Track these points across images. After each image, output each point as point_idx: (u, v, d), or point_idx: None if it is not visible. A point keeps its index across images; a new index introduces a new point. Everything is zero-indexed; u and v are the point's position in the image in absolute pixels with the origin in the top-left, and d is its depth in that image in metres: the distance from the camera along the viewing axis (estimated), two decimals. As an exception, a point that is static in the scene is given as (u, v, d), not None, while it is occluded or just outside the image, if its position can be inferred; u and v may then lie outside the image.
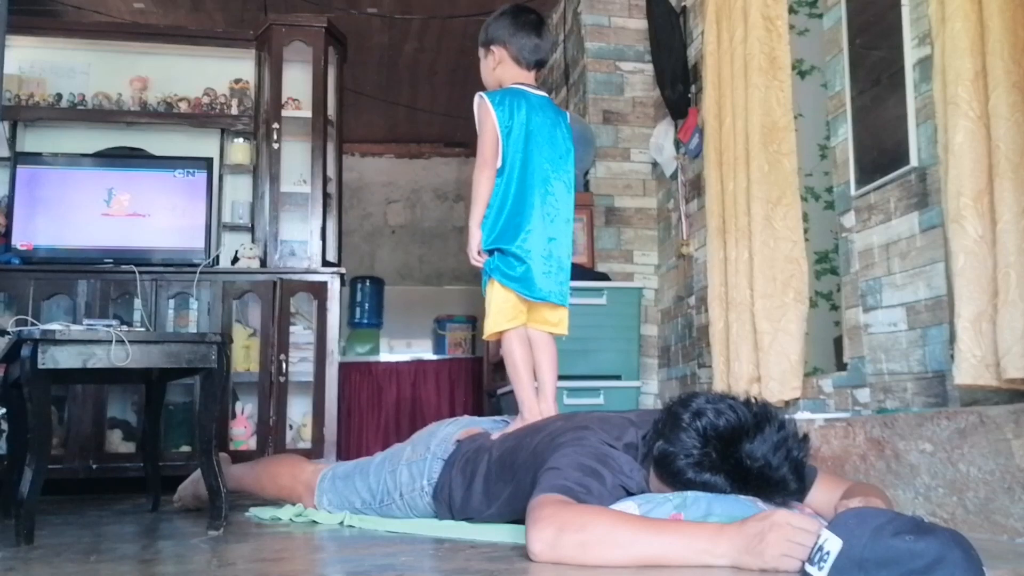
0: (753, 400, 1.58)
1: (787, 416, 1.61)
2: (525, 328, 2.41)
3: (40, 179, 3.91)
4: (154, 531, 2.25)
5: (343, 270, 4.07)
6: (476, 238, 2.37)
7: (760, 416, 1.53)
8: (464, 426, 2.18)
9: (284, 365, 3.85)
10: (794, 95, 3.19)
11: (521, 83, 2.47)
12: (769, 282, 3.05)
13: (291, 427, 3.94)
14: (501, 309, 2.35)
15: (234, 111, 4.19)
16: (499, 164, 2.36)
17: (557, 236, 2.39)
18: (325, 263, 4.04)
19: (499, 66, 2.48)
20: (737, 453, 1.51)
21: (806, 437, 1.58)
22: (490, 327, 2.39)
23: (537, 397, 2.39)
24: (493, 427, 2.19)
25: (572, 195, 2.48)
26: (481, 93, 2.42)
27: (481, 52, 2.54)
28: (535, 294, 2.34)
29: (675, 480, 1.56)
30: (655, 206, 4.47)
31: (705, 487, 1.52)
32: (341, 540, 1.93)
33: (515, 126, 2.36)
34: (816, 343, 3.49)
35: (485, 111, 2.38)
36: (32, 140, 4.11)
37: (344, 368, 5.18)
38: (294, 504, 2.39)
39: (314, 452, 3.75)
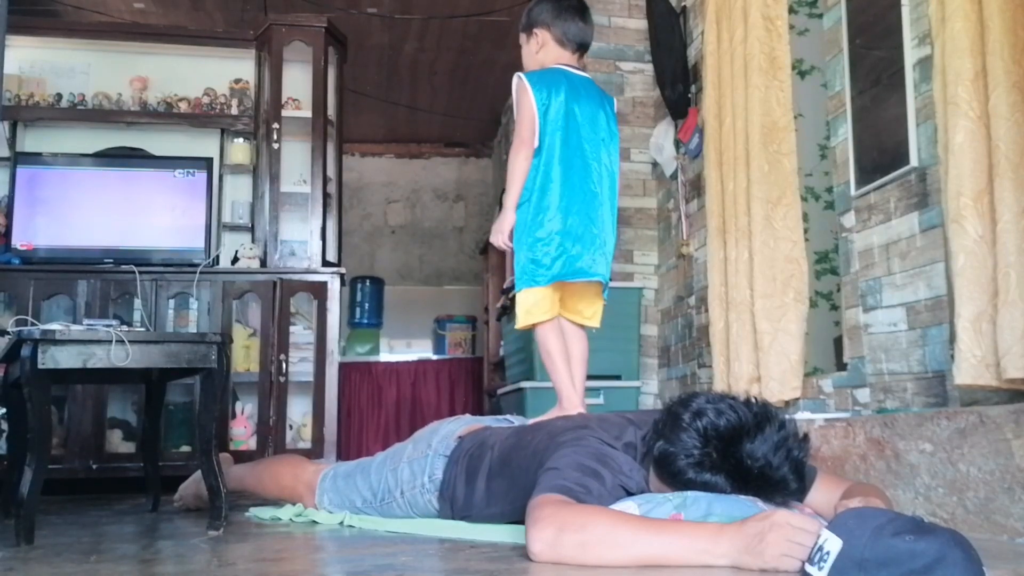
0: (753, 400, 1.58)
1: (787, 416, 1.61)
2: (559, 319, 2.38)
3: (40, 179, 3.91)
4: (154, 531, 2.25)
5: (343, 270, 4.07)
6: (510, 220, 2.33)
7: (760, 416, 1.53)
8: (466, 424, 2.18)
9: (284, 365, 3.85)
10: (794, 95, 3.19)
11: (563, 64, 2.43)
12: (769, 282, 3.05)
13: (291, 427, 3.94)
14: (536, 301, 2.32)
15: (234, 111, 4.19)
16: (536, 144, 2.33)
17: (596, 220, 2.35)
18: (325, 263, 4.04)
19: (542, 49, 2.45)
20: (738, 453, 1.51)
21: (806, 437, 1.58)
22: (523, 319, 2.34)
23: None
24: (495, 424, 2.19)
25: (615, 180, 2.43)
26: (520, 73, 2.39)
27: (523, 37, 2.51)
28: (575, 274, 2.30)
29: (675, 480, 1.56)
30: (655, 206, 4.47)
31: (705, 487, 1.52)
32: (341, 540, 1.93)
33: (553, 105, 2.32)
34: (816, 343, 3.49)
35: (523, 91, 2.35)
36: (32, 140, 4.11)
37: (344, 368, 5.19)
38: (295, 504, 2.39)
39: (314, 452, 3.75)
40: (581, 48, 2.48)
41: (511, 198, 2.34)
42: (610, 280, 2.42)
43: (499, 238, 2.37)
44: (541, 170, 2.32)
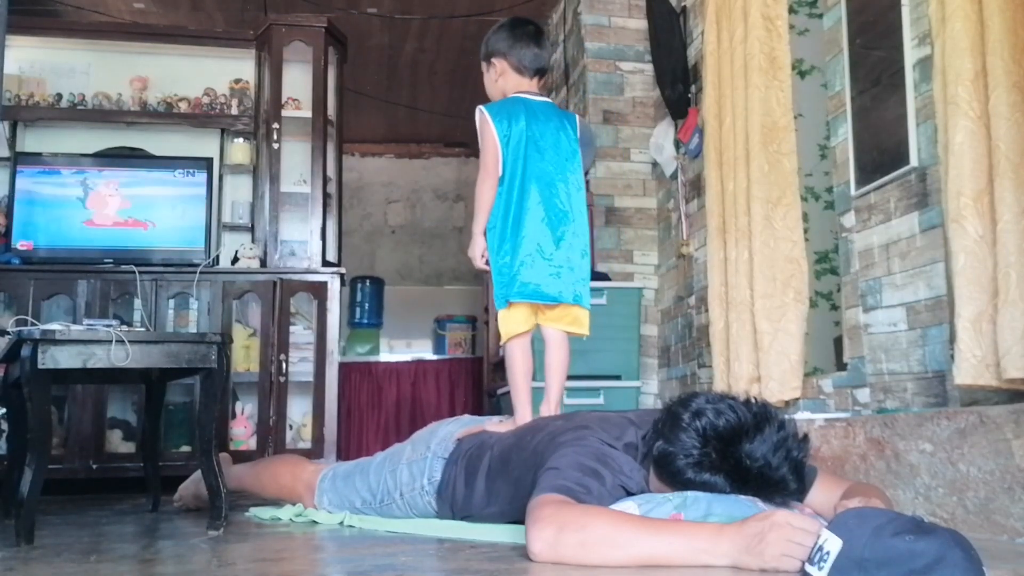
0: (753, 400, 1.58)
1: (787, 416, 1.61)
2: (531, 336, 2.44)
3: (40, 179, 3.91)
4: (154, 531, 2.25)
5: (343, 270, 4.07)
6: (480, 245, 2.43)
7: (760, 416, 1.53)
8: (465, 425, 2.18)
9: (284, 365, 3.85)
10: (794, 95, 3.19)
11: (523, 91, 2.52)
12: (769, 282, 3.05)
13: (291, 427, 3.94)
14: (509, 317, 2.39)
15: (234, 111, 4.19)
16: (500, 173, 2.41)
17: (567, 237, 2.42)
18: (325, 263, 4.04)
19: (501, 77, 2.54)
20: (737, 453, 1.51)
21: (806, 437, 1.58)
22: (503, 333, 2.44)
23: (544, 399, 2.41)
24: (493, 426, 2.19)
25: (582, 196, 2.51)
26: (480, 107, 2.49)
27: (484, 66, 2.60)
28: (541, 297, 2.36)
29: (675, 480, 1.56)
30: (655, 206, 4.47)
31: (705, 487, 1.52)
32: (341, 540, 1.93)
33: (513, 135, 2.41)
34: (816, 343, 3.49)
35: (484, 123, 2.44)
36: (32, 140, 4.11)
37: (344, 368, 5.19)
38: (294, 504, 2.39)
39: (314, 452, 3.75)
40: (539, 73, 2.56)
41: (478, 225, 2.44)
42: (577, 297, 2.46)
43: (475, 263, 2.47)
44: (503, 197, 2.42)
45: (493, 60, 2.54)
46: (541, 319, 2.46)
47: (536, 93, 2.54)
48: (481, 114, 2.46)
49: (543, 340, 2.49)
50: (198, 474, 2.50)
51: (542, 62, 2.55)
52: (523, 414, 2.34)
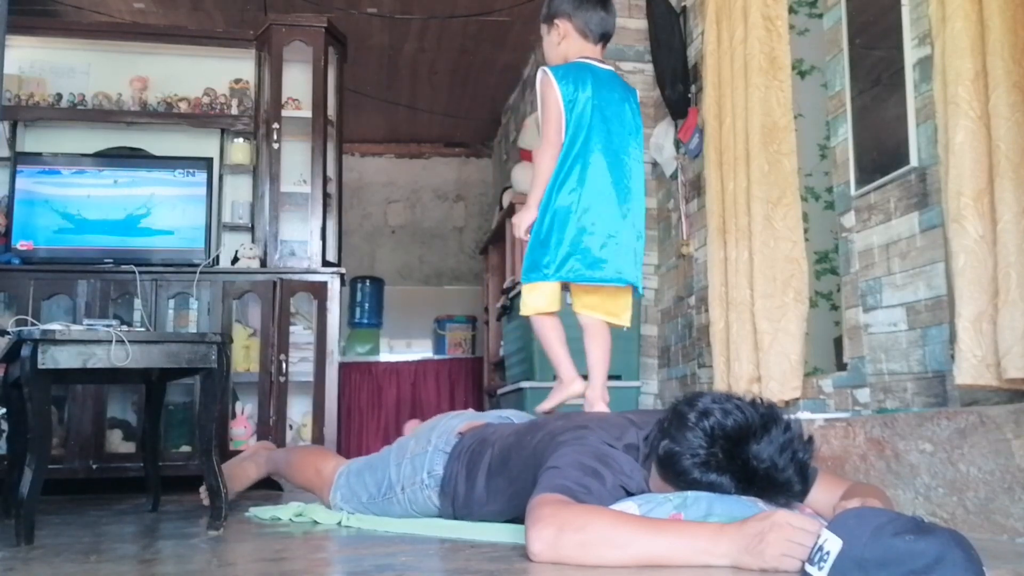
0: (759, 400, 1.57)
1: (792, 417, 1.61)
2: (579, 316, 2.36)
3: (40, 179, 3.91)
4: (154, 531, 2.25)
5: (343, 270, 4.07)
6: (531, 217, 2.31)
7: (767, 417, 1.53)
8: (468, 419, 2.18)
9: (284, 365, 3.85)
10: (794, 95, 3.19)
11: (587, 57, 2.38)
12: (769, 282, 3.05)
13: (291, 427, 3.94)
14: (542, 294, 2.31)
15: (234, 111, 4.19)
16: (563, 140, 2.28)
17: (629, 216, 2.31)
18: (325, 263, 4.04)
19: (563, 41, 2.40)
20: (744, 454, 1.50)
21: (811, 439, 1.57)
22: (527, 309, 2.34)
23: (587, 386, 2.36)
24: (497, 421, 2.19)
25: (642, 175, 2.39)
26: (544, 67, 2.34)
27: (544, 28, 2.46)
28: (579, 278, 2.29)
29: (680, 480, 1.55)
30: (655, 206, 4.47)
31: (711, 487, 1.52)
32: (341, 540, 1.93)
33: (579, 100, 2.27)
34: (816, 343, 3.49)
35: (548, 86, 2.30)
36: (32, 140, 4.12)
37: (344, 368, 5.19)
38: (317, 494, 2.42)
39: (314, 452, 3.75)
40: (603, 39, 2.42)
41: (534, 196, 2.30)
42: (632, 279, 2.36)
43: (518, 231, 2.36)
44: (564, 168, 2.28)
45: (556, 21, 2.40)
46: (578, 306, 2.36)
47: (600, 60, 2.40)
48: (545, 75, 2.31)
49: (580, 328, 2.39)
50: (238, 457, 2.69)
51: (608, 27, 2.41)
52: (567, 371, 2.28)
